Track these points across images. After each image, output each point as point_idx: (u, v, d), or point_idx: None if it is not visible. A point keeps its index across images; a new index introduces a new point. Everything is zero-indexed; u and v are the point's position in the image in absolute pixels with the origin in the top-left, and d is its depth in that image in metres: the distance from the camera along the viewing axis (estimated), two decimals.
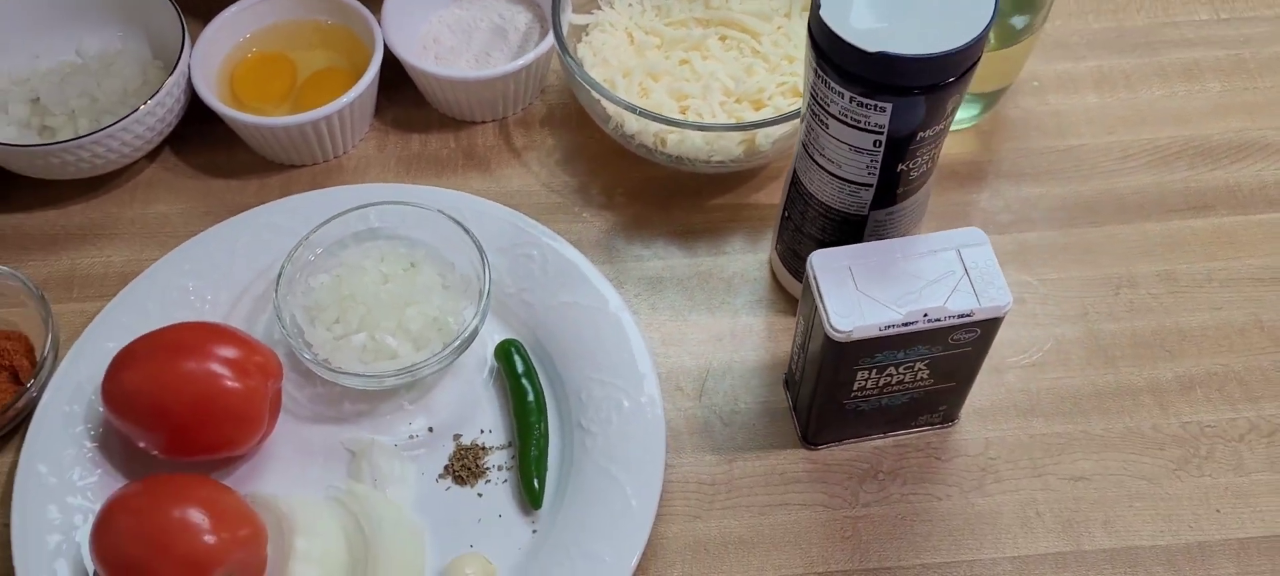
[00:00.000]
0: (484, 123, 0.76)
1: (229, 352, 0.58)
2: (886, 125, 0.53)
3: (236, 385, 0.57)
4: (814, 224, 0.61)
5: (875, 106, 0.52)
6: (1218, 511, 0.60)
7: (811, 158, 0.58)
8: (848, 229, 0.60)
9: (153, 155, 0.74)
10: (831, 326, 0.53)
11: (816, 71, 0.53)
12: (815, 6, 0.51)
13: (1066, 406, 0.64)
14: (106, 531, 0.53)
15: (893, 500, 0.61)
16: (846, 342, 0.53)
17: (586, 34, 0.73)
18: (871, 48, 0.50)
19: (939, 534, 0.60)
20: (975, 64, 0.52)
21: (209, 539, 0.53)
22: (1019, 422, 0.63)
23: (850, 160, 0.56)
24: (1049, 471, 0.61)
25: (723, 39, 0.73)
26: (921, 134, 0.54)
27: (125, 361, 0.58)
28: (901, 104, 0.52)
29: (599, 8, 0.75)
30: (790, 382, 0.64)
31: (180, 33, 0.71)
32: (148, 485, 0.55)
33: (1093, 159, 0.73)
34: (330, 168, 0.74)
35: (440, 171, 0.74)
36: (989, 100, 0.74)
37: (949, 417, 0.63)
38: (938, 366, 0.57)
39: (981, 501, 0.61)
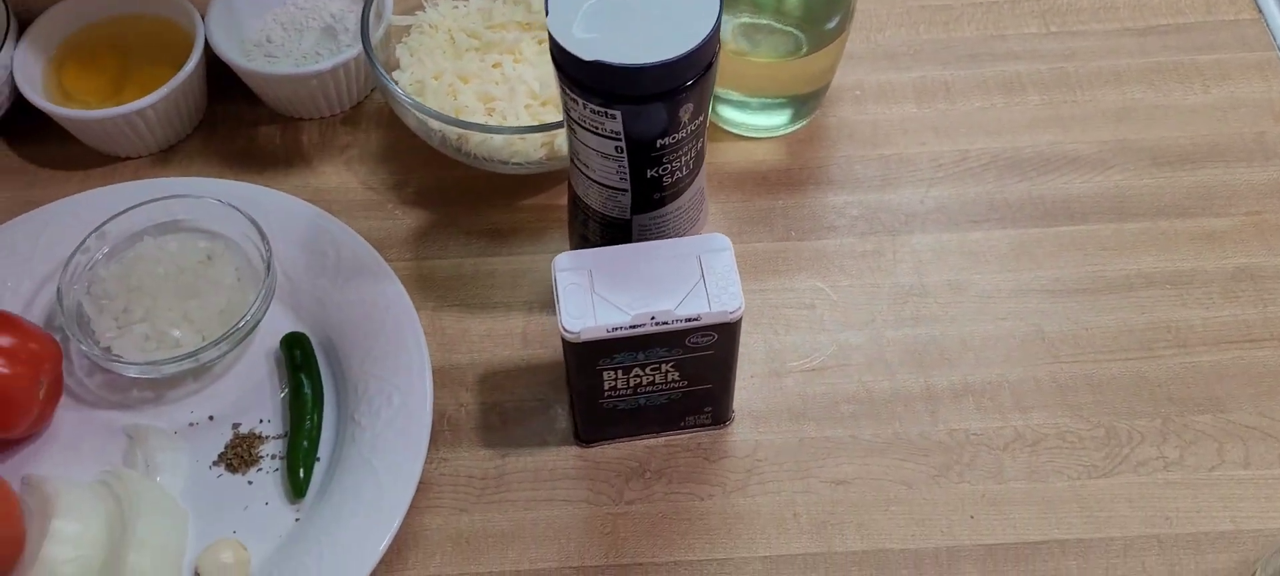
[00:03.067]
0: (311, 120, 0.78)
1: (4, 338, 0.59)
2: (622, 132, 0.54)
3: (4, 370, 0.59)
4: (591, 228, 0.63)
5: (606, 114, 0.53)
6: (971, 518, 0.61)
7: (575, 163, 0.60)
8: (618, 232, 0.61)
9: None
10: (563, 327, 0.54)
11: (557, 78, 0.55)
12: (546, 12, 0.53)
13: (839, 411, 0.65)
14: None
15: (655, 498, 0.62)
16: (578, 343, 0.55)
17: (407, 35, 0.75)
18: (588, 56, 0.51)
19: (696, 532, 0.61)
20: (707, 71, 0.53)
21: None
22: (791, 426, 0.64)
23: (601, 165, 0.57)
24: (812, 475, 0.63)
25: (541, 42, 0.75)
26: (662, 141, 0.55)
27: None
28: (630, 111, 0.53)
29: (423, 9, 0.76)
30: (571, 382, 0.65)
31: (4, 25, 0.73)
32: None
33: (902, 168, 0.75)
34: (155, 160, 0.76)
35: (263, 167, 0.76)
36: (801, 107, 0.75)
37: (719, 419, 0.64)
38: (684, 368, 0.58)
39: (743, 502, 0.62)
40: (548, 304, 0.69)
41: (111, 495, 0.60)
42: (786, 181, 0.74)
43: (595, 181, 0.59)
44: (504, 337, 0.68)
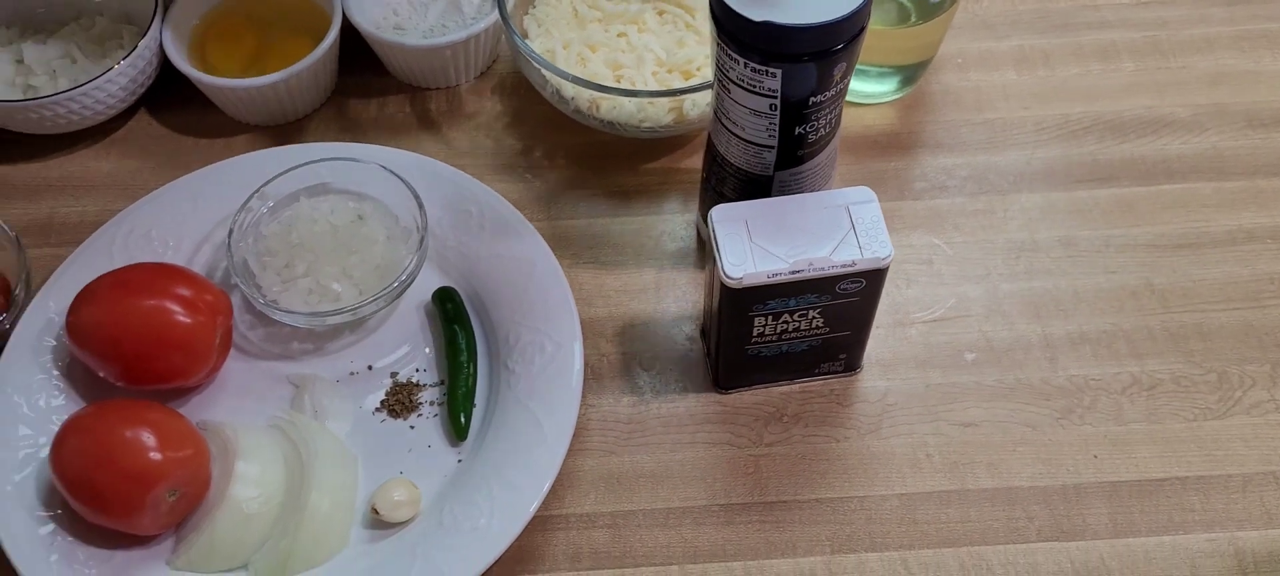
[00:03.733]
0: (437, 89, 0.81)
1: (181, 291, 0.63)
2: (779, 90, 0.58)
3: (186, 320, 0.62)
4: (728, 185, 0.66)
5: (767, 72, 0.57)
6: (1095, 457, 0.64)
7: (721, 121, 0.63)
8: (757, 189, 0.65)
9: (129, 115, 0.80)
10: (725, 274, 0.58)
11: (716, 40, 0.58)
12: None
13: (962, 359, 0.68)
14: (62, 449, 0.59)
15: (794, 441, 0.66)
16: (739, 289, 0.58)
17: (533, 7, 0.78)
18: (757, 17, 0.54)
19: (835, 471, 0.65)
20: (859, 34, 0.57)
21: (154, 456, 0.58)
22: (917, 373, 0.68)
23: (752, 123, 0.61)
24: (941, 418, 0.66)
25: (661, 13, 0.78)
26: (814, 99, 0.59)
27: (86, 298, 0.63)
28: (790, 70, 0.56)
29: None
30: (705, 332, 0.69)
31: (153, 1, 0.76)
32: (100, 408, 0.60)
33: (1007, 132, 0.78)
34: (292, 128, 0.79)
35: (395, 133, 0.79)
36: (908, 75, 0.78)
37: (851, 366, 0.67)
38: (830, 315, 0.62)
39: (877, 444, 0.65)
40: (677, 261, 0.73)
41: (287, 439, 0.63)
42: (897, 144, 0.77)
43: (742, 139, 0.62)
44: (638, 292, 0.72)
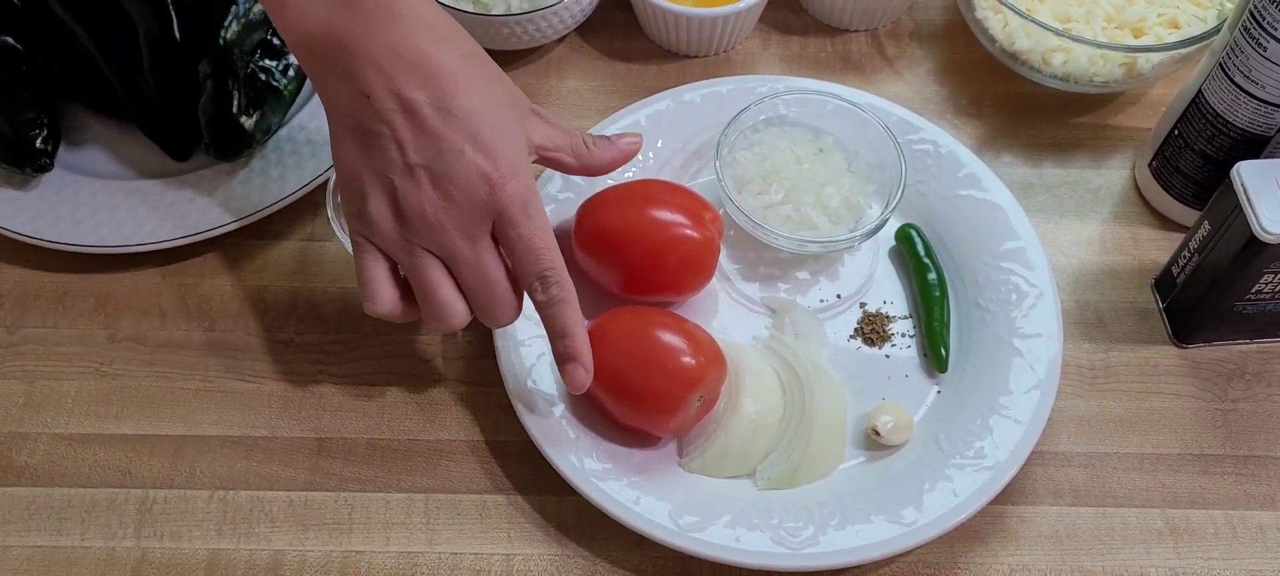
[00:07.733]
0: (856, 32, 0.83)
1: (688, 205, 0.66)
2: None
3: (695, 235, 0.65)
4: (1214, 144, 0.67)
5: None
6: None
7: (1230, 77, 0.64)
8: (1247, 150, 0.66)
9: (561, 38, 0.82)
10: (1262, 228, 0.59)
11: None
12: None
13: None
14: (598, 343, 0.62)
15: (1259, 398, 0.67)
16: (1272, 244, 0.59)
17: None
18: None
19: None
20: None
21: (689, 361, 0.60)
22: None
23: (1278, 83, 0.62)
24: None
25: None
26: None
27: (597, 206, 0.66)
28: None
29: None
30: (1164, 285, 0.70)
31: None
32: (633, 311, 0.63)
33: None
34: (719, 60, 0.82)
35: (819, 71, 0.81)
36: None
37: None
38: None
39: None
40: (1117, 215, 0.74)
41: (779, 359, 0.66)
42: None
43: (1256, 98, 0.63)
44: (1082, 243, 0.73)
